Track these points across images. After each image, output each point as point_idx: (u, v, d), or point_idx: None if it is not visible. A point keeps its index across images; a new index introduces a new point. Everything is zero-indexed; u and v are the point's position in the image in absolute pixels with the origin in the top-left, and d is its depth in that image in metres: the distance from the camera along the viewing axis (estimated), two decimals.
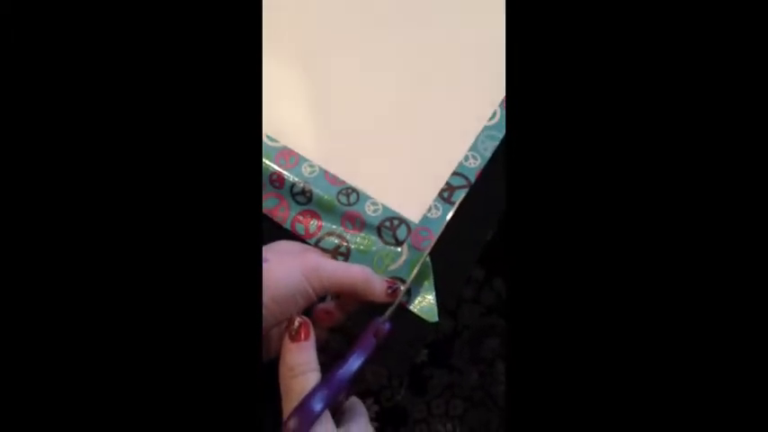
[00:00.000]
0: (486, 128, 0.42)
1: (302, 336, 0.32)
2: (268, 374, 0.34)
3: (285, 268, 0.32)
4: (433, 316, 0.37)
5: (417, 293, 0.37)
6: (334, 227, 0.39)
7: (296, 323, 0.32)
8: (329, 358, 0.44)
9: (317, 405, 0.29)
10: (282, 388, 0.31)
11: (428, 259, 0.38)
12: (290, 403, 0.30)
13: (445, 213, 0.39)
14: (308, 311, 0.36)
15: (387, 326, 0.34)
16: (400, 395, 0.92)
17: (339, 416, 0.32)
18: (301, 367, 0.31)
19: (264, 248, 0.34)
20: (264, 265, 0.32)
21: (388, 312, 0.35)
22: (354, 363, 0.32)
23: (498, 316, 0.95)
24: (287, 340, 0.32)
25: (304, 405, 0.29)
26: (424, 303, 0.37)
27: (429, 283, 0.38)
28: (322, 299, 0.36)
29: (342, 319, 0.36)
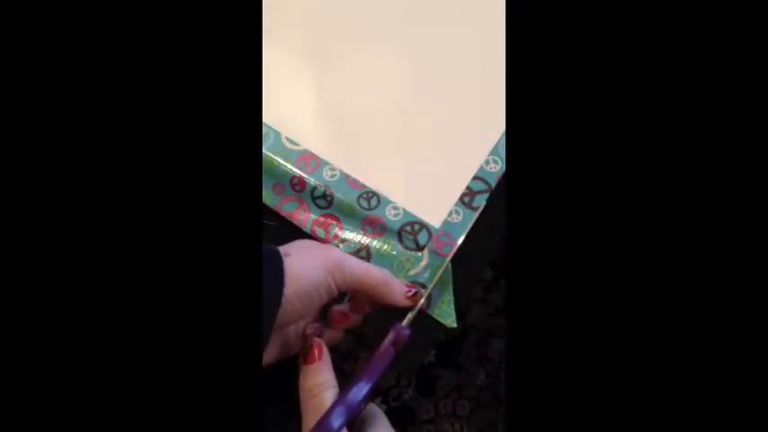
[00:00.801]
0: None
1: (316, 356, 0.32)
2: (282, 374, 0.34)
3: (307, 263, 0.32)
4: (452, 321, 0.37)
5: (437, 298, 0.37)
6: (354, 231, 0.39)
7: (307, 345, 0.33)
8: (339, 357, 0.44)
9: (336, 422, 0.29)
10: (302, 409, 0.31)
11: (449, 265, 0.37)
12: (309, 424, 0.30)
13: (466, 218, 0.39)
14: (323, 313, 0.36)
15: (406, 332, 0.34)
16: (408, 395, 0.92)
17: (359, 423, 0.32)
18: (318, 388, 0.31)
19: (285, 246, 0.34)
20: (286, 260, 0.31)
21: (409, 318, 0.35)
22: (372, 377, 0.32)
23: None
24: (302, 363, 0.32)
25: (322, 423, 0.29)
26: (444, 308, 0.37)
27: (448, 288, 0.38)
28: (341, 298, 0.36)
29: (357, 321, 0.36)
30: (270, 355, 0.33)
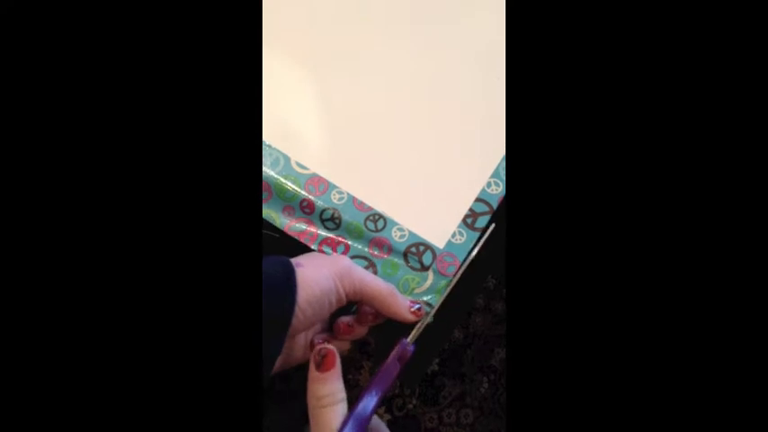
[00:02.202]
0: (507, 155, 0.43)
1: (330, 365, 0.33)
2: (288, 380, 0.35)
3: (318, 271, 0.33)
4: (430, 318, 0.38)
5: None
6: (361, 252, 0.40)
7: (322, 352, 0.33)
8: (343, 367, 0.45)
9: None
10: (311, 417, 0.32)
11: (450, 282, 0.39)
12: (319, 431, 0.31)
13: (469, 239, 0.41)
14: (330, 325, 0.37)
15: (411, 349, 0.35)
16: (412, 404, 0.93)
17: None
18: (328, 398, 0.32)
19: (295, 258, 0.35)
20: (298, 270, 0.32)
21: (414, 334, 0.36)
22: (379, 392, 0.33)
23: None
24: (313, 369, 0.33)
25: None
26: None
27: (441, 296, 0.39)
28: (348, 310, 0.37)
29: (363, 333, 0.37)
30: (276, 364, 0.34)
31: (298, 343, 0.35)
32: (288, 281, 0.32)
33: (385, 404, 0.92)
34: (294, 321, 0.31)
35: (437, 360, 0.96)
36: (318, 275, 0.33)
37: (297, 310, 0.31)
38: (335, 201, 0.41)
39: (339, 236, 0.41)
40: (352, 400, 0.33)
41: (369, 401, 0.33)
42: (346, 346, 0.37)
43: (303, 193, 0.41)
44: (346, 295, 0.34)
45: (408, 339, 0.35)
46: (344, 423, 0.31)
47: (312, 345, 0.36)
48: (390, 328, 0.37)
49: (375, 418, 0.35)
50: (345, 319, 0.37)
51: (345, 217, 0.41)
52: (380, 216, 0.41)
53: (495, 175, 0.42)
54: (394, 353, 0.35)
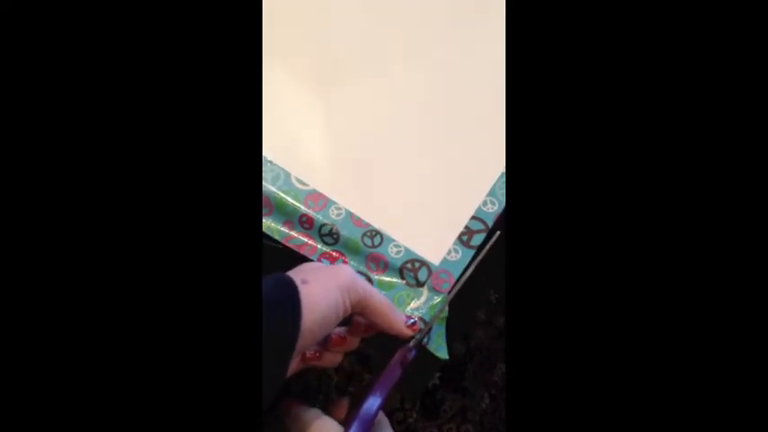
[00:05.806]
0: (503, 174, 0.44)
1: (343, 413, 0.35)
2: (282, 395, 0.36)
3: (322, 285, 0.33)
4: (444, 354, 0.39)
5: (433, 332, 0.39)
6: (358, 267, 0.41)
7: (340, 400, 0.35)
8: (345, 379, 0.45)
9: None
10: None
11: (446, 301, 0.40)
12: None
13: (464, 256, 0.41)
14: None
15: (413, 353, 0.36)
16: (412, 418, 0.93)
17: None
18: None
19: (298, 271, 0.35)
20: (303, 288, 0.32)
21: (416, 339, 0.37)
22: (383, 393, 0.34)
23: None
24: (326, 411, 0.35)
25: None
26: (439, 342, 0.39)
27: (443, 323, 0.40)
28: (344, 322, 0.37)
29: (355, 344, 0.37)
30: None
31: (294, 359, 0.35)
32: (292, 306, 0.31)
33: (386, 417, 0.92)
34: (300, 342, 0.31)
35: (438, 374, 0.96)
36: (324, 290, 0.33)
37: (304, 329, 0.31)
38: (334, 216, 0.42)
39: (337, 251, 0.42)
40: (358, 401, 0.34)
41: (373, 402, 0.34)
42: (338, 358, 0.37)
43: (302, 208, 0.42)
44: (351, 307, 0.34)
45: (410, 345, 0.36)
46: (350, 423, 0.32)
47: (304, 357, 0.36)
48: (389, 341, 0.37)
49: (380, 414, 0.35)
50: (338, 330, 0.37)
51: (343, 233, 0.41)
52: (377, 232, 0.42)
53: (492, 193, 0.43)
54: (396, 357, 0.36)
